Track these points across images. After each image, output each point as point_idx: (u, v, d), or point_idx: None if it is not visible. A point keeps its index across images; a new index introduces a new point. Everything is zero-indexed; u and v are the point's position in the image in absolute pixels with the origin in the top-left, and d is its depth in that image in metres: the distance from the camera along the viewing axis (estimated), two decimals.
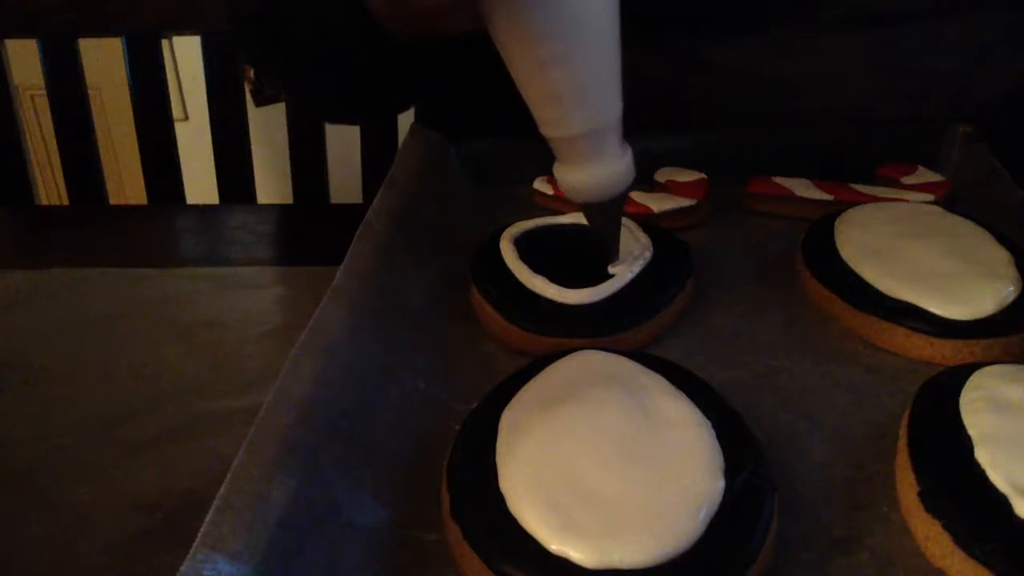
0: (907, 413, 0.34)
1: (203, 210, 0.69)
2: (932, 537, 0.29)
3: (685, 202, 0.50)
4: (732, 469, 0.30)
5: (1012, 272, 0.40)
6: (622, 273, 0.41)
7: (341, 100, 0.55)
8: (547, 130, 0.35)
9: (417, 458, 0.35)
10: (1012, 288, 0.39)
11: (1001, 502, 0.29)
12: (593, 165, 0.36)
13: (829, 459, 0.34)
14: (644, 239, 0.44)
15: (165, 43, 0.89)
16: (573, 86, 0.33)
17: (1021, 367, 0.34)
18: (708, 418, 0.32)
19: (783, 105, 0.58)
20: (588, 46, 0.32)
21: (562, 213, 0.48)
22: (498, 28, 0.32)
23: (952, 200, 0.49)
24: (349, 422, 0.33)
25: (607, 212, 0.39)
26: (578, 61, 0.32)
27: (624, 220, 0.45)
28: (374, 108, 0.62)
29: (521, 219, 0.46)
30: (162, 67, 0.87)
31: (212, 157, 0.89)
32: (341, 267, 0.40)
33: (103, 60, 0.99)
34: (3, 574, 0.34)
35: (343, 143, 0.93)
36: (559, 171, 0.37)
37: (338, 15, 0.43)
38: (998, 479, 0.29)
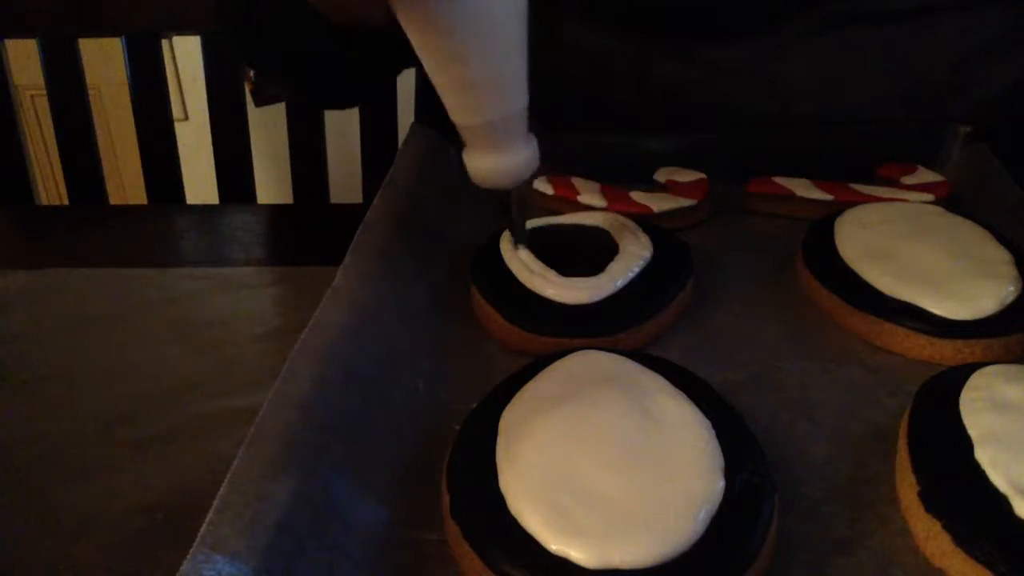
0: (907, 413, 0.34)
1: (203, 210, 0.69)
2: (932, 537, 0.29)
3: (685, 202, 0.50)
4: (732, 469, 0.30)
5: (1012, 272, 0.40)
6: (622, 270, 0.41)
7: (310, 84, 0.56)
8: (455, 118, 0.36)
9: (417, 458, 0.35)
10: (1012, 288, 0.39)
11: (1001, 502, 0.29)
12: (499, 153, 0.37)
13: (829, 459, 0.34)
14: (644, 239, 0.44)
15: (165, 43, 0.89)
16: (478, 79, 0.34)
17: (1021, 367, 0.34)
18: (708, 418, 0.32)
19: (783, 105, 0.58)
20: (493, 42, 0.33)
21: (562, 213, 0.48)
22: (406, 22, 0.33)
23: (952, 200, 0.49)
24: (349, 422, 0.33)
25: (515, 198, 0.41)
26: (483, 56, 0.33)
27: (624, 220, 0.45)
28: (355, 89, 0.63)
29: None
30: (162, 67, 0.87)
31: (212, 157, 0.89)
32: (341, 267, 0.40)
33: (103, 60, 0.99)
34: (3, 574, 0.34)
35: (343, 143, 0.93)
36: (467, 156, 0.38)
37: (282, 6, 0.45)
38: (998, 479, 0.29)
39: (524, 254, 0.43)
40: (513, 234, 0.43)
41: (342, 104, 0.74)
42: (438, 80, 0.34)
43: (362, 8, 0.38)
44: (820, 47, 0.56)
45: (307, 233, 0.62)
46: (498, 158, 0.37)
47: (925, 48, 0.56)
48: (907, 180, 0.51)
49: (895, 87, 0.57)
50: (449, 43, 0.33)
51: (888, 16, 0.55)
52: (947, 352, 0.39)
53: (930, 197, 0.49)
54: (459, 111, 0.35)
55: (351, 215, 0.45)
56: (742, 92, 0.58)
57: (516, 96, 0.35)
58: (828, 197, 0.50)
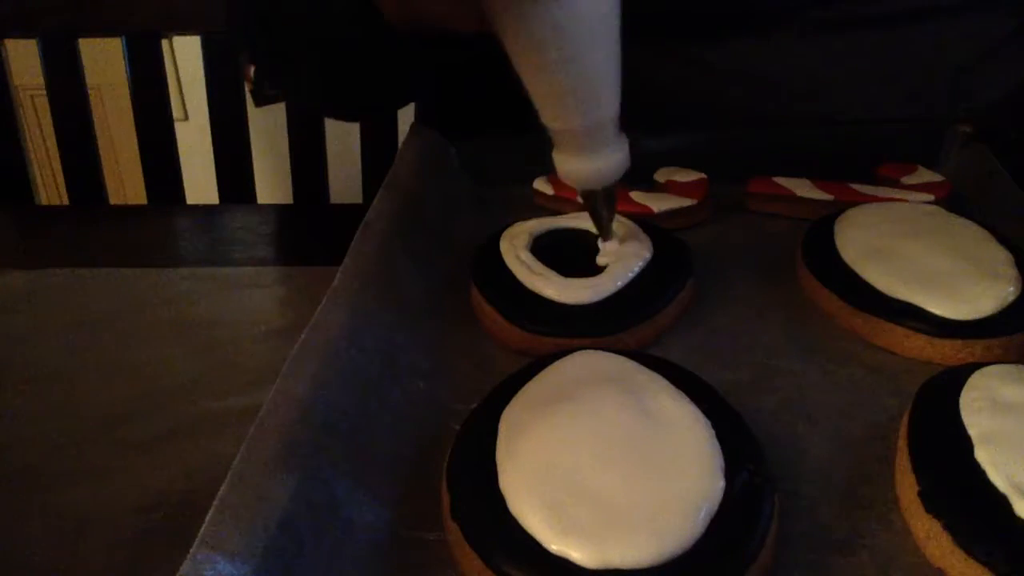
0: (907, 413, 0.34)
1: (203, 210, 0.69)
2: (932, 537, 0.29)
3: (685, 202, 0.50)
4: (732, 469, 0.30)
5: (1012, 272, 0.40)
6: (622, 270, 0.41)
7: (338, 93, 0.55)
8: (547, 122, 0.36)
9: (417, 458, 0.35)
10: (1012, 288, 0.39)
11: (1001, 502, 0.29)
12: (592, 155, 0.37)
13: (829, 459, 0.34)
14: (644, 239, 0.44)
15: (165, 43, 0.89)
16: (577, 85, 0.34)
17: (1021, 367, 0.34)
18: (708, 418, 0.32)
19: (783, 105, 0.58)
20: (591, 50, 0.34)
21: (562, 213, 0.48)
22: (506, 33, 0.33)
23: (952, 200, 0.49)
24: (349, 422, 0.33)
25: (604, 197, 0.41)
26: (582, 63, 0.34)
27: (624, 220, 0.45)
28: (373, 102, 0.62)
29: (521, 219, 0.46)
30: (162, 67, 0.87)
31: (212, 157, 0.89)
32: (341, 267, 0.40)
33: (103, 60, 0.99)
34: (3, 574, 0.34)
35: (343, 143, 0.93)
36: (559, 160, 0.38)
37: (339, 5, 0.44)
38: (998, 479, 0.29)
39: (524, 254, 0.43)
40: (600, 231, 0.43)
41: (344, 114, 0.73)
42: (534, 88, 0.35)
43: (458, 16, 0.38)
44: (820, 47, 0.56)
45: (307, 233, 0.62)
46: (588, 161, 0.37)
47: (925, 50, 0.56)
48: (907, 180, 0.51)
49: (895, 88, 0.57)
50: (547, 54, 0.33)
51: (888, 18, 0.55)
52: (947, 352, 0.39)
53: (930, 197, 0.49)
54: (552, 116, 0.36)
55: (351, 215, 0.45)
56: (742, 92, 0.58)
57: (609, 102, 0.36)
58: (828, 197, 0.50)
